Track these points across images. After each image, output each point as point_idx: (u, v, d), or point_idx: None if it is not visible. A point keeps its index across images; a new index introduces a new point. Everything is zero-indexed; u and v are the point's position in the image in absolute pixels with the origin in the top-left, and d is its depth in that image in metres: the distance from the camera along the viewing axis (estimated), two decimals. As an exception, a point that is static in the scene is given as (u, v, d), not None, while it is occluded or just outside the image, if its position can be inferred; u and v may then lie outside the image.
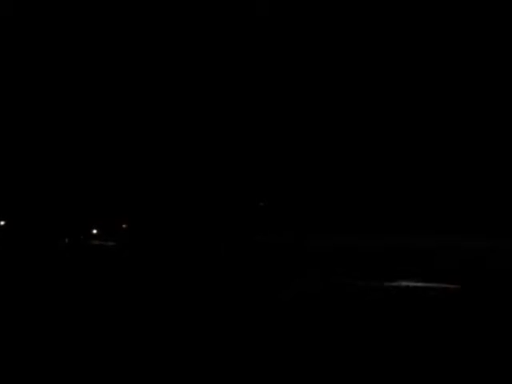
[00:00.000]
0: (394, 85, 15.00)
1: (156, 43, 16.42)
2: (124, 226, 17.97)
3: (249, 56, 15.91)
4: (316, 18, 15.27)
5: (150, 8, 16.33)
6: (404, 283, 12.68)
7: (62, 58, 17.26)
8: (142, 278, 13.45)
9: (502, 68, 13.98)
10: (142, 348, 7.06)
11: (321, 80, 15.59)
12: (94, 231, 18.28)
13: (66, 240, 18.61)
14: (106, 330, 8.02)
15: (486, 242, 14.40)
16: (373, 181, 15.76)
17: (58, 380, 5.95)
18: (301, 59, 15.65)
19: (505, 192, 14.86)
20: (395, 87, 14.99)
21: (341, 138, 15.62)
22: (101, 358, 6.63)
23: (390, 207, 15.55)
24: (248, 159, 16.15)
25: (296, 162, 15.87)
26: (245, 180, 16.35)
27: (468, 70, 14.31)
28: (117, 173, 17.96)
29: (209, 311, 9.34)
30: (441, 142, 15.07)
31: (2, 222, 18.55)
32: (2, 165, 18.29)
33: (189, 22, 16.04)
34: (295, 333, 7.88)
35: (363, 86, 15.26)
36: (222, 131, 16.24)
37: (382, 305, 10.34)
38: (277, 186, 16.35)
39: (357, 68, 15.24)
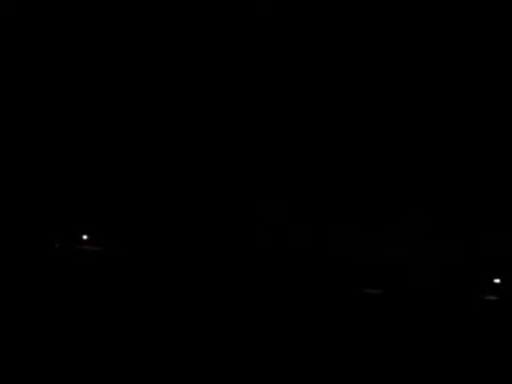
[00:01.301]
0: (395, 86, 14.95)
1: (155, 43, 16.54)
2: (116, 231, 17.69)
3: (248, 56, 15.98)
4: (316, 18, 15.39)
5: (149, 8, 16.51)
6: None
7: (62, 58, 17.39)
8: (140, 281, 13.26)
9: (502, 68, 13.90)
10: (139, 351, 6.91)
11: (321, 81, 15.60)
12: (85, 237, 17.95)
13: (57, 245, 18.33)
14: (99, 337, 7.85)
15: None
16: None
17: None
18: (301, 60, 15.72)
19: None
20: (396, 88, 14.94)
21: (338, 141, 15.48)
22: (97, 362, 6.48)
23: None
24: (248, 160, 16.00)
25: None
26: (246, 182, 16.17)
27: (468, 70, 14.26)
28: (112, 176, 17.81)
29: (206, 316, 9.17)
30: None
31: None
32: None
33: (188, 21, 16.19)
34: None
35: (363, 87, 15.24)
36: (222, 130, 16.16)
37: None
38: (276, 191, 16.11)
39: (358, 69, 15.25)
